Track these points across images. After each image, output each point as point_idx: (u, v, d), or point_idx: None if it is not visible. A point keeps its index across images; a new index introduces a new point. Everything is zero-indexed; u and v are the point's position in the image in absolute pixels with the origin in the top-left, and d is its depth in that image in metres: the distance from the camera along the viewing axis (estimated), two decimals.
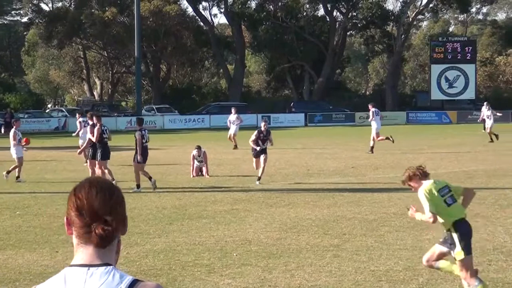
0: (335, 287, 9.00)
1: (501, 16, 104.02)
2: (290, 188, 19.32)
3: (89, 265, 2.47)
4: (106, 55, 77.38)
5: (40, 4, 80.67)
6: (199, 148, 23.19)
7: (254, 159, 20.84)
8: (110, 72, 78.46)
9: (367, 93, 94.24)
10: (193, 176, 22.53)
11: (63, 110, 68.17)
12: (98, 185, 2.53)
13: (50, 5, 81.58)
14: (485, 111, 38.34)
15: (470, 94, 70.51)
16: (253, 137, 20.42)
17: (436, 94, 70.25)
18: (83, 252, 2.50)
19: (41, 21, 74.40)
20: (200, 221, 14.02)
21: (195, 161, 22.93)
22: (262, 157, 20.27)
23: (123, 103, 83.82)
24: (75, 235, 2.52)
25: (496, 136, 35.62)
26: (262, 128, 20.53)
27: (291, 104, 69.37)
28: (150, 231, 12.99)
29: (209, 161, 23.46)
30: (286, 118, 65.13)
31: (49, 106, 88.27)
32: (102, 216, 2.47)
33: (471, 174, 22.26)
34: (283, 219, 14.16)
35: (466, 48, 70.67)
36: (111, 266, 2.49)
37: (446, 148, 33.30)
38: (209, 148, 32.41)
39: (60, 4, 79.42)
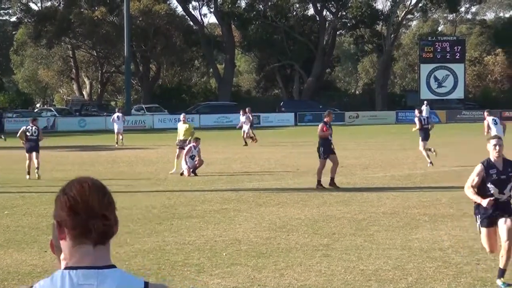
0: (325, 287, 9.00)
1: (490, 15, 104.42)
2: (279, 188, 19.31)
3: (97, 267, 2.39)
4: (95, 54, 77.20)
5: (29, 4, 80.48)
6: (199, 139, 23.34)
7: (484, 230, 9.21)
8: (100, 71, 78.30)
9: (357, 92, 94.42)
10: (188, 175, 22.36)
11: (52, 109, 67.97)
12: (89, 183, 2.47)
13: (39, 4, 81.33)
14: (241, 117, 38.25)
15: (459, 93, 70.76)
16: (473, 178, 9.11)
17: (425, 94, 70.39)
18: (83, 253, 2.42)
19: (30, 20, 74.16)
20: (190, 221, 14.00)
21: (190, 155, 22.72)
22: (503, 222, 9.04)
23: (113, 103, 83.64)
24: (69, 237, 2.42)
25: (248, 141, 36.40)
26: (493, 156, 9.10)
27: (281, 104, 69.43)
28: (139, 231, 12.96)
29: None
30: (275, 117, 65.16)
31: (37, 105, 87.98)
32: (99, 212, 2.41)
33: (460, 173, 22.30)
34: (273, 219, 14.15)
35: (455, 48, 70.92)
36: (118, 269, 2.42)
37: (436, 147, 33.36)
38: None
39: (49, 4, 79.23)
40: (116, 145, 37.70)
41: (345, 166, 24.72)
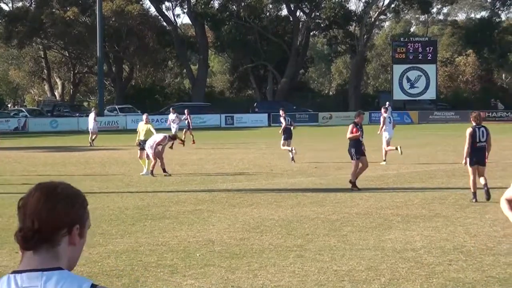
0: (298, 287, 9.02)
1: (461, 16, 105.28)
2: (253, 188, 19.31)
3: (41, 270, 2.39)
4: (67, 55, 76.66)
5: (0, 4, 79.67)
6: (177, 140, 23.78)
7: None
8: (72, 72, 77.77)
9: (330, 93, 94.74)
10: (153, 158, 22.25)
11: (23, 110, 67.37)
12: (40, 188, 2.46)
13: (10, 4, 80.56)
14: (171, 116, 37.54)
15: (431, 94, 71.35)
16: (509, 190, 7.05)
17: (398, 95, 70.91)
18: (27, 258, 2.42)
19: (0, 21, 73.42)
20: (163, 222, 13.95)
21: (161, 144, 22.56)
22: None
23: (85, 103, 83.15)
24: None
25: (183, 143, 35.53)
26: None
27: (255, 104, 69.51)
28: (112, 232, 12.89)
29: (173, 161, 23.32)
30: (249, 118, 65.18)
31: (8, 106, 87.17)
32: (28, 217, 2.40)
33: (432, 174, 22.50)
34: (246, 220, 14.14)
35: (427, 48, 71.50)
36: (65, 270, 2.41)
37: (408, 148, 33.58)
38: (172, 149, 32.32)
39: (20, 4, 78.43)
40: (90, 144, 38.07)
41: (319, 167, 24.82)
